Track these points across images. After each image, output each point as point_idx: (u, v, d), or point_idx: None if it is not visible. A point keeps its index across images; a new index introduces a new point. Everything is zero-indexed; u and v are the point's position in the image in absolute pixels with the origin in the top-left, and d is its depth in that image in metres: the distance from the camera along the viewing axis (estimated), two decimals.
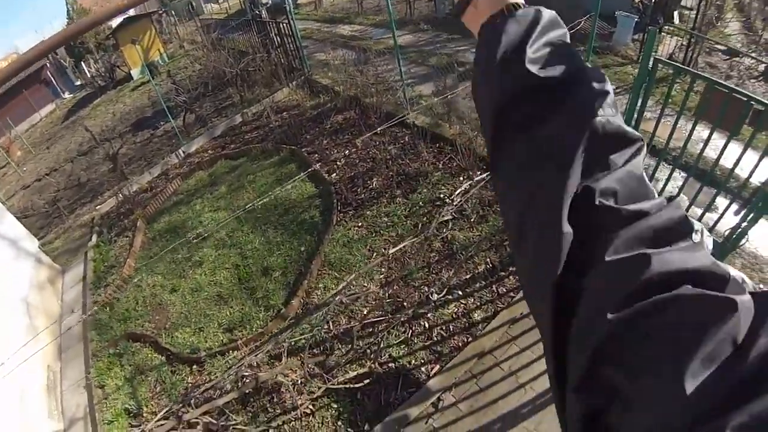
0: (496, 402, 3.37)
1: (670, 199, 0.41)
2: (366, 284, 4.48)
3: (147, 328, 5.16)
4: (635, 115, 3.35)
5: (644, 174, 0.44)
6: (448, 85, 6.56)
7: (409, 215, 5.04)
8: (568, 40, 0.53)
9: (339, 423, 3.61)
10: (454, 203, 4.59)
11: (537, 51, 0.49)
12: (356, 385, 3.67)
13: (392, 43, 6.74)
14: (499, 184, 0.53)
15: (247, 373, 3.96)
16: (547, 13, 0.53)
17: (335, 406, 3.72)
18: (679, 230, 0.38)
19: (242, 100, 9.20)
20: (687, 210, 3.34)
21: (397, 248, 3.89)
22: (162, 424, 3.60)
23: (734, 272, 0.32)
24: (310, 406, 3.81)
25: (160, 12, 23.36)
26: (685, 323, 0.32)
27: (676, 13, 8.58)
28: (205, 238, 5.44)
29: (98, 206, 7.41)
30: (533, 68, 0.48)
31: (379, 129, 5.10)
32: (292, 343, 4.22)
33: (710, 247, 0.36)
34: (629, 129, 0.45)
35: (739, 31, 9.41)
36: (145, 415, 4.43)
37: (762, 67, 7.24)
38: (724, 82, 2.88)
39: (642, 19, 7.90)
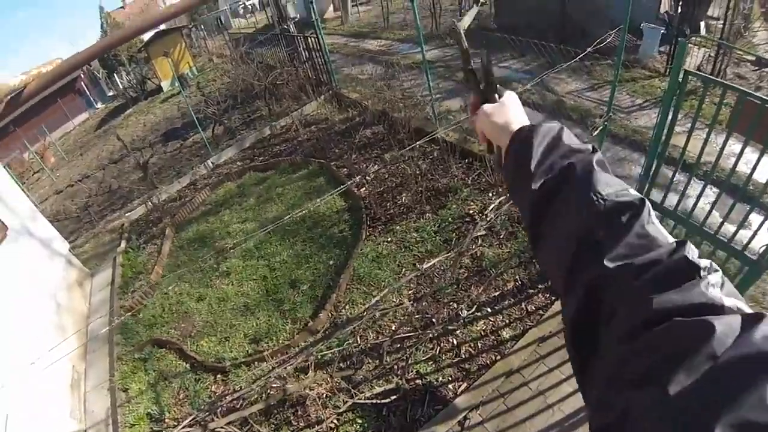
0: (524, 422, 3.27)
1: (681, 242, 0.48)
2: (395, 299, 4.43)
3: (172, 335, 5.17)
4: (665, 130, 3.25)
5: (652, 226, 0.51)
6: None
7: (439, 231, 4.98)
8: (562, 135, 0.65)
9: None
10: (487, 218, 4.53)
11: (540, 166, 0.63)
12: (383, 401, 3.58)
13: (419, 58, 6.78)
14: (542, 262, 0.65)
15: (275, 385, 3.92)
16: (542, 129, 0.66)
17: (360, 421, 3.65)
18: (685, 272, 0.44)
19: (270, 113, 9.34)
20: (719, 228, 3.21)
21: (431, 263, 3.83)
22: (187, 431, 3.56)
23: (729, 302, 0.41)
24: (335, 421, 3.73)
25: (190, 27, 24.14)
26: (673, 344, 0.38)
27: (702, 24, 8.44)
28: (233, 248, 5.46)
29: (128, 213, 7.54)
30: (535, 185, 0.62)
31: (409, 146, 5.10)
32: (320, 357, 4.18)
33: (718, 280, 0.37)
34: (623, 197, 0.54)
35: (767, 41, 9.23)
36: (167, 420, 4.41)
37: None
38: (756, 93, 2.78)
39: (668, 30, 7.79)
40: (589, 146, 0.64)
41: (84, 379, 5.51)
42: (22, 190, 7.22)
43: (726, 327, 0.37)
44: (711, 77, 3.80)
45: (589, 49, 3.64)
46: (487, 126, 0.79)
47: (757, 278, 3.23)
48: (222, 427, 3.70)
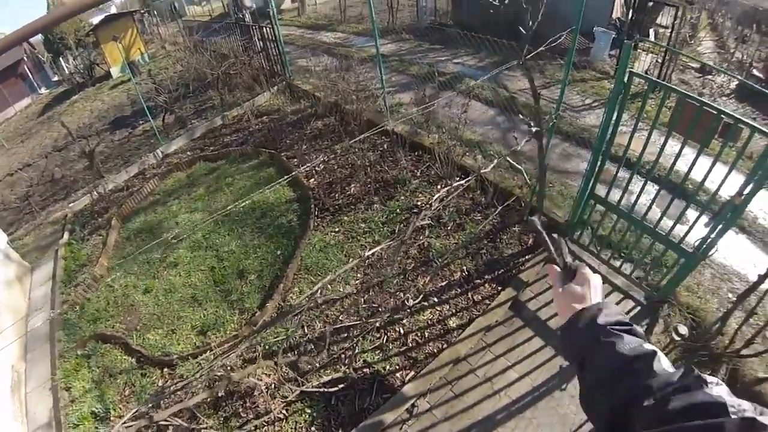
0: (471, 408, 3.44)
1: (689, 368, 0.66)
2: (341, 289, 4.52)
3: (118, 329, 5.08)
4: (610, 129, 3.46)
5: (665, 364, 0.71)
6: (428, 94, 6.69)
7: (387, 222, 5.11)
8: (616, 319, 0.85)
9: (312, 428, 3.62)
10: (432, 208, 4.68)
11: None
12: (331, 390, 3.67)
13: (374, 52, 6.85)
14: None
15: (219, 374, 3.94)
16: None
17: (309, 411, 3.72)
18: (693, 384, 0.61)
19: (223, 103, 9.18)
20: (658, 222, 3.49)
21: (374, 251, 3.92)
22: (130, 426, 3.54)
23: (730, 400, 0.56)
24: (284, 411, 3.80)
25: (142, 12, 23.08)
26: None
27: (651, 31, 8.93)
28: (181, 239, 5.39)
29: (72, 203, 7.26)
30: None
31: (360, 137, 5.18)
32: (267, 347, 4.23)
33: (716, 390, 0.56)
34: (640, 350, 0.75)
35: (712, 50, 9.86)
36: (112, 419, 4.34)
37: (733, 85, 7.58)
38: (695, 96, 3.02)
39: (619, 35, 8.19)
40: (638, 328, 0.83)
41: (24, 380, 5.32)
42: None
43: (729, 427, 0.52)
44: (654, 79, 4.06)
45: (541, 48, 3.79)
46: (565, 303, 0.96)
47: (692, 269, 3.54)
48: (167, 420, 3.69)
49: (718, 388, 0.59)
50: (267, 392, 3.95)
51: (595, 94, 7.35)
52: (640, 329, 0.82)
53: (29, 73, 23.60)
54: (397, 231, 4.97)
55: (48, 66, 24.71)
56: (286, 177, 4.09)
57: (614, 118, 3.43)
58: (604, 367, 0.77)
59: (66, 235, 6.58)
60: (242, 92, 9.20)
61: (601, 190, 3.93)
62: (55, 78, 24.06)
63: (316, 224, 5.09)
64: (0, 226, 6.89)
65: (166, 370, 4.56)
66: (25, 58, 22.85)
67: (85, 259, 6.08)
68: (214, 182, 6.21)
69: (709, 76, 8.04)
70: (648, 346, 0.76)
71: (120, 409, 4.49)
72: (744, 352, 3.21)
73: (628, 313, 3.82)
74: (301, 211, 5.34)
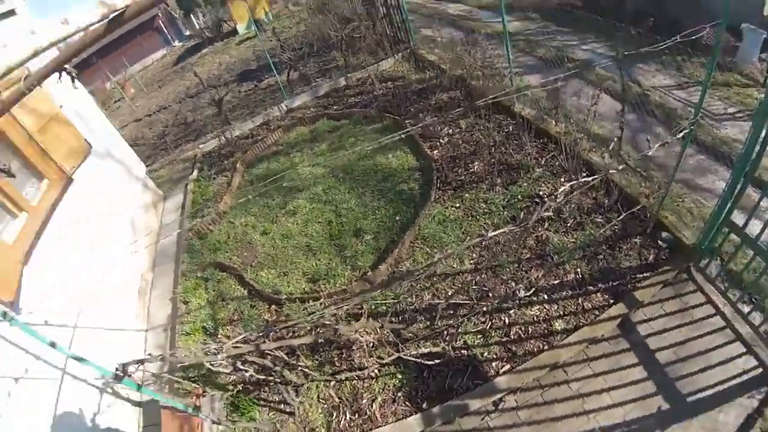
0: (557, 421, 3.19)
1: None
2: (456, 265, 4.42)
3: (234, 261, 5.43)
4: (757, 147, 2.86)
5: None
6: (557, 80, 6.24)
7: (507, 206, 4.87)
8: None
9: (399, 394, 3.63)
10: (557, 200, 4.38)
11: None
12: (426, 362, 3.62)
13: (500, 28, 6.50)
14: None
15: (326, 323, 4.04)
16: None
17: (400, 377, 3.74)
18: None
19: (346, 65, 9.32)
20: None
21: (497, 233, 3.73)
22: (238, 347, 3.73)
23: None
24: (376, 371, 3.86)
25: None
26: None
27: None
28: (300, 190, 5.59)
29: (202, 145, 7.87)
30: None
31: (485, 115, 4.92)
32: (373, 307, 4.27)
33: None
34: None
35: None
36: (219, 336, 4.66)
37: None
38: None
39: None
40: None
41: (150, 289, 5.93)
42: (106, 115, 7.65)
43: None
44: None
45: (676, 38, 3.30)
46: None
47: None
48: (270, 351, 3.84)
49: None
50: (365, 349, 4.02)
51: (739, 103, 6.29)
52: None
53: (164, 28, 26.00)
54: (517, 217, 4.73)
55: (180, 21, 26.99)
56: (402, 132, 4.00)
57: (762, 135, 2.79)
58: None
59: (195, 173, 7.16)
60: (366, 56, 9.27)
61: (738, 218, 3.28)
62: (187, 32, 26.26)
63: (437, 196, 5.00)
64: (140, 158, 7.64)
65: (273, 306, 4.79)
66: (159, 13, 25.15)
67: (211, 195, 6.56)
68: (337, 140, 6.34)
69: None
70: None
71: (227, 330, 4.81)
72: None
73: (745, 373, 3.25)
74: (422, 181, 5.27)
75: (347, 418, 3.73)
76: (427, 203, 4.86)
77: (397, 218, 4.95)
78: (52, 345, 3.10)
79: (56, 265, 4.67)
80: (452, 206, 4.91)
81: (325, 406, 3.87)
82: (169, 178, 7.61)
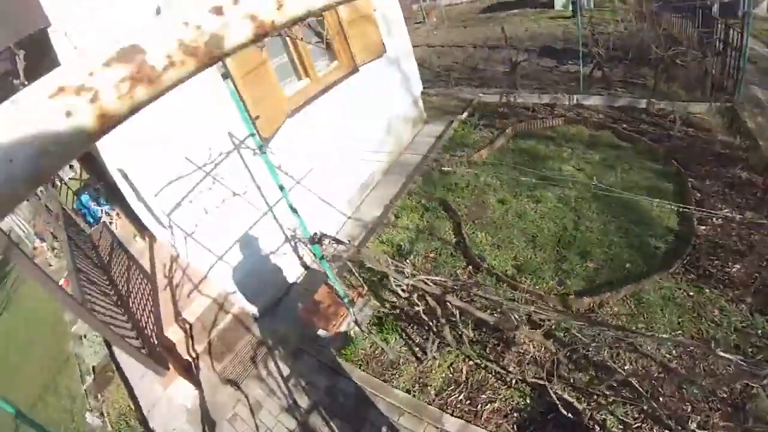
0: None
1: None
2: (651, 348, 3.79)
3: (460, 209, 5.69)
4: None
5: None
6: None
7: (740, 331, 3.85)
8: None
9: (515, 414, 3.60)
10: None
11: None
12: (561, 408, 3.31)
13: None
14: None
15: (514, 315, 3.91)
16: None
17: (528, 401, 3.68)
18: None
19: (654, 88, 8.30)
20: None
21: (725, 356, 3.07)
22: (429, 286, 3.85)
23: None
24: (514, 380, 3.81)
25: None
26: None
27: None
28: (554, 184, 5.41)
29: (481, 93, 8.11)
30: None
31: None
32: (557, 328, 4.02)
33: None
34: None
35: None
36: (408, 261, 4.98)
37: None
38: None
39: None
40: None
41: (371, 188, 6.65)
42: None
43: None
44: None
45: None
46: None
47: None
48: (449, 303, 3.92)
49: None
50: (521, 356, 3.97)
51: None
52: None
53: None
54: (746, 353, 3.74)
55: None
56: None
57: None
58: None
59: (465, 114, 7.50)
60: (678, 88, 8.08)
61: None
62: None
63: (677, 271, 4.28)
64: (420, 78, 8.20)
65: (470, 267, 4.91)
66: None
67: (471, 142, 6.84)
68: (613, 158, 5.86)
69: None
70: None
71: (418, 260, 5.15)
72: None
73: None
74: (672, 247, 4.56)
75: (458, 398, 3.82)
76: (664, 272, 4.23)
77: (627, 265, 4.47)
78: (281, 188, 3.72)
79: (307, 130, 5.53)
80: (685, 291, 4.15)
81: (451, 376, 3.99)
82: (437, 108, 8.13)
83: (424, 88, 8.35)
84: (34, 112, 0.33)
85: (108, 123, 0.36)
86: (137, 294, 5.65)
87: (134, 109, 0.37)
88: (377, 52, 6.47)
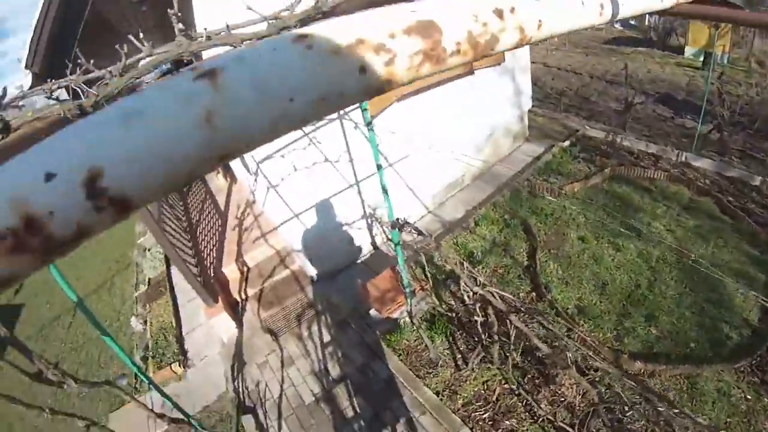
0: None
1: None
2: None
3: (540, 234, 5.76)
4: None
5: None
6: None
7: None
8: None
9: None
10: None
11: None
12: None
13: None
14: None
15: (566, 353, 3.94)
16: None
17: None
18: None
19: None
20: None
21: None
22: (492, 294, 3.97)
23: None
24: (541, 418, 3.83)
25: None
26: None
27: None
28: (639, 237, 5.37)
29: (588, 125, 8.00)
30: None
31: None
32: (600, 382, 4.03)
33: None
34: None
35: None
36: (475, 270, 5.09)
37: None
38: None
39: None
40: None
41: (460, 189, 6.86)
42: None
43: None
44: None
45: None
46: None
47: None
48: (513, 324, 3.99)
49: None
50: (555, 396, 4.01)
51: None
52: None
53: None
54: None
55: None
56: None
57: None
58: None
59: (567, 143, 7.48)
60: None
61: None
62: (632, 21, 25.10)
63: (742, 369, 4.03)
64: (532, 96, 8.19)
65: (533, 294, 5.03)
66: None
67: (566, 171, 6.87)
68: (707, 229, 5.61)
69: None
70: None
71: (484, 271, 5.33)
72: None
73: None
74: (744, 341, 4.31)
75: (483, 415, 3.91)
76: (728, 365, 4.09)
77: (692, 344, 4.35)
78: (379, 166, 3.82)
79: (411, 117, 5.82)
80: (744, 393, 3.94)
81: (482, 392, 4.10)
82: (540, 129, 8.12)
83: (532, 106, 8.35)
84: (328, 59, 0.31)
85: (385, 91, 0.35)
86: (206, 227, 6.22)
87: (407, 83, 0.37)
88: (496, 59, 6.58)
